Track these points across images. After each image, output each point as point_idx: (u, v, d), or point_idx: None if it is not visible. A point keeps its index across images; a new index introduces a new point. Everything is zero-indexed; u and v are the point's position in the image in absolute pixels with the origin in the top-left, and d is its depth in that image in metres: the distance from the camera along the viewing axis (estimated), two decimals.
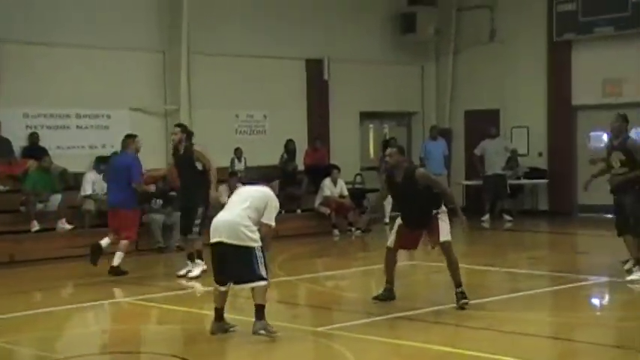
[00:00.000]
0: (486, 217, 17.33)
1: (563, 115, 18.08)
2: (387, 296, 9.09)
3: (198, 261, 11.01)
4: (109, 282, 10.91)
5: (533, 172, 18.19)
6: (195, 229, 10.87)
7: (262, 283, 7.58)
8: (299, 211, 16.23)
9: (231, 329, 7.84)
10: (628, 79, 17.02)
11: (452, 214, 8.86)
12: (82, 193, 13.92)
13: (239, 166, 16.07)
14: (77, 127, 15.15)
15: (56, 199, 13.55)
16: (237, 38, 16.74)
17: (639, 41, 16.85)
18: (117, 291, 10.56)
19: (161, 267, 12.77)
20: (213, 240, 7.66)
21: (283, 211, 15.86)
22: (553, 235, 16.30)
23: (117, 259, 11.19)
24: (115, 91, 15.32)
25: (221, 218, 7.68)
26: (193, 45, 15.92)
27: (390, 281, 9.13)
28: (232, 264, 7.58)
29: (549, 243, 15.54)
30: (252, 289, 7.61)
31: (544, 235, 16.47)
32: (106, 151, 14.25)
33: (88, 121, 15.24)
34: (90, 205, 13.79)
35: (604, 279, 10.42)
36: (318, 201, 15.98)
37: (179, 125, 11.39)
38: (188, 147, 10.96)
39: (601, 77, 17.42)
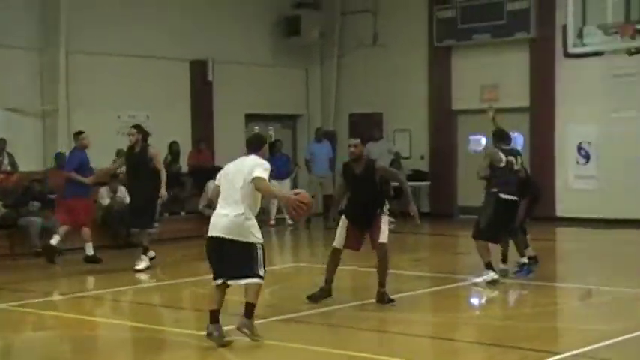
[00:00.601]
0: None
1: (443, 119, 18.53)
2: (322, 295, 9.04)
3: (143, 256, 11.63)
4: None
5: (416, 175, 18.55)
6: (156, 224, 11.87)
7: (257, 280, 7.34)
8: (183, 213, 16.04)
9: (226, 339, 7.37)
10: (504, 85, 17.59)
11: (405, 207, 9.11)
12: None
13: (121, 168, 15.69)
14: None
15: None
16: (119, 38, 16.38)
17: (514, 48, 17.45)
18: None
19: (38, 271, 12.32)
20: (212, 234, 7.35)
21: (167, 214, 15.67)
22: (434, 237, 16.66)
23: (90, 249, 11.99)
24: None
25: (221, 212, 7.35)
26: (73, 44, 15.49)
27: (329, 281, 9.09)
28: (231, 259, 7.31)
29: (431, 244, 15.88)
30: (246, 286, 7.35)
31: (426, 236, 16.81)
32: None
33: None
34: None
35: (481, 279, 10.70)
36: (202, 203, 15.81)
37: (136, 127, 11.92)
38: (144, 147, 11.59)
39: (479, 82, 17.95)
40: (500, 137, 10.46)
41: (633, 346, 7.39)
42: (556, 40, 16.12)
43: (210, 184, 15.78)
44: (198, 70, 17.66)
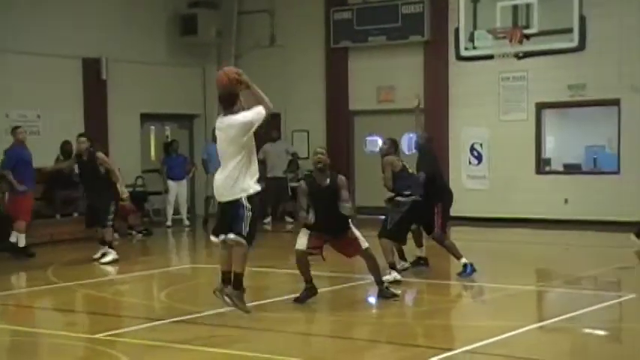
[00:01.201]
0: (268, 219, 17.56)
1: (341, 120, 18.69)
2: (309, 294, 9.08)
3: (110, 250, 12.51)
4: None
5: None
6: (109, 223, 12.63)
7: (239, 239, 7.96)
8: (76, 214, 15.64)
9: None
10: (399, 86, 17.88)
11: None
12: None
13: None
14: None
15: None
16: (8, 34, 15.86)
17: (409, 51, 17.76)
18: None
19: None
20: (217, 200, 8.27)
21: (59, 215, 15.25)
22: None
23: (22, 240, 12.88)
24: None
25: (217, 176, 8.20)
26: None
27: (308, 280, 9.11)
28: (226, 217, 8.12)
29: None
30: (234, 251, 8.00)
31: None
32: None
33: None
34: None
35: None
36: None
37: (83, 135, 12.98)
38: (92, 153, 12.51)
39: (375, 84, 18.18)
40: (396, 145, 10.85)
41: (523, 341, 7.62)
42: (449, 44, 16.49)
43: None
44: (91, 69, 17.26)
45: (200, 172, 18.39)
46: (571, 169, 16.78)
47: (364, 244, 9.21)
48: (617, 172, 15.99)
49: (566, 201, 16.33)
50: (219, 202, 8.34)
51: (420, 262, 11.22)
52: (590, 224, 15.62)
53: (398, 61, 17.91)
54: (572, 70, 15.82)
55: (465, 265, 10.67)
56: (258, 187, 8.22)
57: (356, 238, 9.20)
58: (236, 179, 8.09)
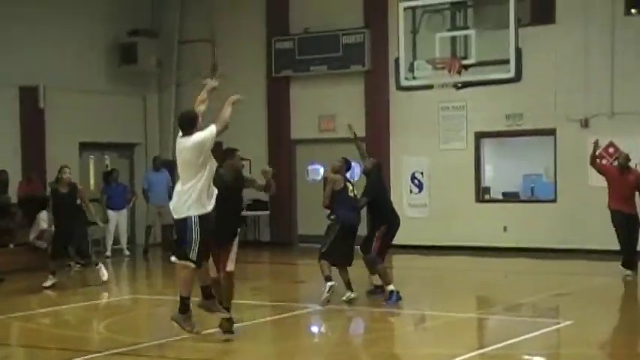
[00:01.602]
0: None
1: (283, 149, 18.70)
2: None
3: (103, 270, 13.13)
4: None
5: (256, 204, 18.58)
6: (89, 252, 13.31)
7: (184, 263, 7.92)
8: (12, 245, 15.32)
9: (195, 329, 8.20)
10: (341, 115, 17.99)
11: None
12: None
13: None
14: None
15: None
16: None
17: (351, 80, 17.90)
18: None
19: None
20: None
21: None
22: (274, 266, 16.72)
23: None
24: None
25: (174, 192, 8.24)
26: None
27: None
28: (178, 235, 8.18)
29: (271, 273, 15.92)
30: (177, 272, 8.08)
31: (266, 265, 16.87)
32: None
33: None
34: None
35: (321, 307, 10.84)
36: (33, 234, 15.16)
37: (67, 166, 13.28)
38: (74, 185, 12.99)
39: (317, 113, 18.27)
40: (348, 165, 11.07)
41: None
42: (389, 73, 16.67)
43: (43, 215, 15.23)
44: (29, 97, 16.99)
45: (140, 201, 18.19)
46: (509, 197, 17.05)
47: (231, 267, 8.80)
48: (554, 201, 16.30)
49: (505, 229, 16.56)
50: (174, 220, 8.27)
51: (377, 290, 11.21)
52: (529, 251, 15.85)
53: (339, 90, 18.04)
54: (510, 101, 16.13)
55: (390, 292, 10.75)
56: (210, 208, 8.14)
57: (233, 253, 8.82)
58: (189, 197, 8.05)
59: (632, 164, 13.45)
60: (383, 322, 10.22)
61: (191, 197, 8.07)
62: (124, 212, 17.45)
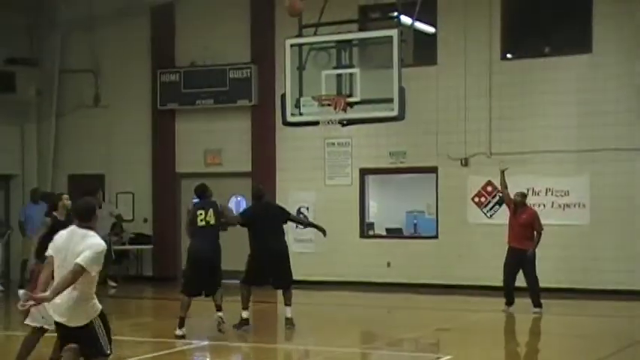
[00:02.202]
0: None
1: (167, 182, 18.42)
2: None
3: None
4: None
5: (139, 238, 18.23)
6: None
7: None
8: None
9: None
10: (227, 149, 17.92)
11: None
12: None
13: None
14: None
15: None
16: None
17: (237, 114, 17.86)
18: None
19: None
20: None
21: None
22: (157, 301, 16.38)
23: None
24: None
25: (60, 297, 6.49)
26: None
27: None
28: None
29: (153, 308, 15.58)
30: None
31: (148, 301, 16.50)
32: None
33: None
34: None
35: (205, 342, 10.67)
36: None
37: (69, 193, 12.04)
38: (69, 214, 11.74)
39: (203, 147, 18.12)
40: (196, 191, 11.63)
41: None
42: (276, 108, 16.74)
43: None
44: None
45: (16, 234, 17.52)
46: (393, 233, 17.31)
47: None
48: (436, 237, 16.64)
49: (388, 264, 16.77)
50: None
51: (244, 322, 11.15)
52: (411, 287, 16.10)
53: (225, 125, 17.96)
54: (394, 138, 16.44)
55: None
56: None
57: None
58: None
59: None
60: (267, 357, 10.13)
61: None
62: None
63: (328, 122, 12.41)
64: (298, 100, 12.38)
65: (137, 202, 18.64)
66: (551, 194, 15.53)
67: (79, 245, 6.55)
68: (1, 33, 18.26)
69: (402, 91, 11.86)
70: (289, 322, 11.17)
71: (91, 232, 6.70)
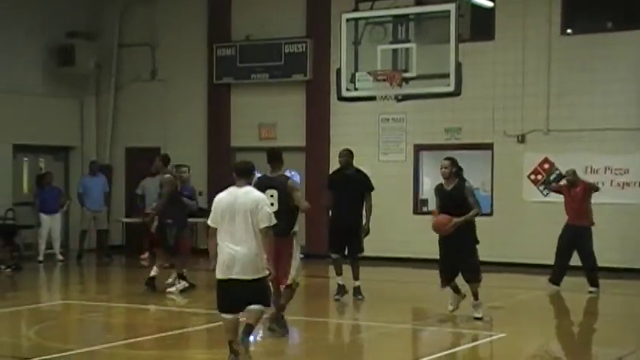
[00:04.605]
0: (146, 255, 17.16)
1: (222, 156, 18.56)
2: None
3: None
4: None
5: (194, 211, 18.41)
6: None
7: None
8: None
9: None
10: (281, 124, 17.97)
11: None
12: None
13: None
14: None
15: None
16: None
17: (292, 89, 17.90)
18: None
19: None
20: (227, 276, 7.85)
21: None
22: (209, 273, 16.52)
23: None
24: None
25: (239, 251, 7.75)
26: None
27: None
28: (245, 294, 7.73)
29: (207, 281, 15.73)
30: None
31: (202, 272, 16.67)
32: None
33: None
34: None
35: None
36: None
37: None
38: None
39: (257, 121, 18.21)
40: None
41: None
42: (331, 83, 16.71)
43: None
44: None
45: (75, 205, 17.87)
46: None
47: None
48: (491, 214, 16.50)
49: None
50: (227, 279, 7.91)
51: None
52: None
53: (280, 99, 18.02)
54: (449, 114, 16.31)
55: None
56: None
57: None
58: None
59: (563, 181, 13.64)
60: (318, 331, 10.19)
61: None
62: (58, 217, 17.11)
63: (383, 98, 12.35)
64: (353, 75, 12.33)
65: (193, 175, 18.73)
66: (610, 172, 15.27)
67: (246, 199, 7.89)
68: (62, 7, 18.55)
69: (458, 66, 11.74)
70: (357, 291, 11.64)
71: (250, 188, 8.11)
